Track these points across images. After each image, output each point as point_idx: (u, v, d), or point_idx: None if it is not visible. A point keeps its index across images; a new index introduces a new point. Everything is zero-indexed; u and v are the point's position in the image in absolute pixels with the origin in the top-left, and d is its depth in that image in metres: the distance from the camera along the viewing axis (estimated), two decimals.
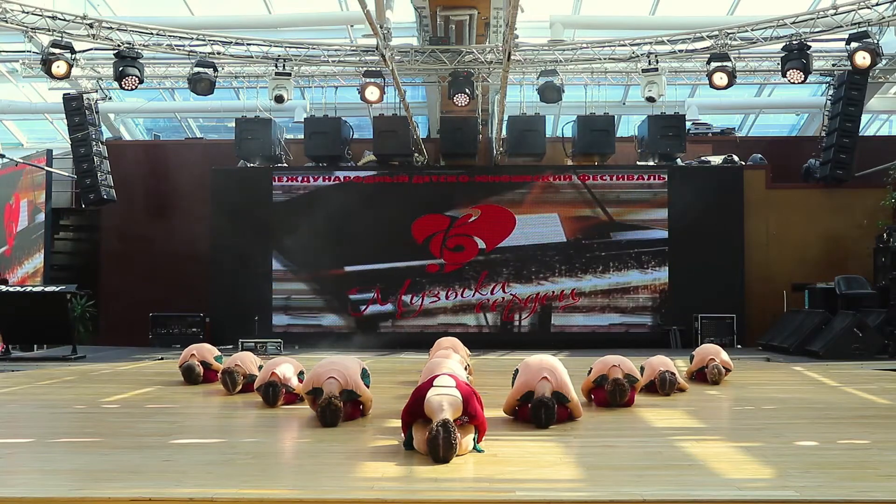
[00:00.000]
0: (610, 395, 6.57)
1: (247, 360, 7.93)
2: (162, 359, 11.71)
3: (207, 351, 8.77)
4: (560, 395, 5.82)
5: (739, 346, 13.36)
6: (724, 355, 8.62)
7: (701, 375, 8.47)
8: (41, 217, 15.31)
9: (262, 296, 14.26)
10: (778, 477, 4.22)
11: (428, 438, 4.64)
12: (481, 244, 14.43)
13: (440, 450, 4.58)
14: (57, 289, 12.24)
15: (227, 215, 14.42)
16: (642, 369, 7.48)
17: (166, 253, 14.80)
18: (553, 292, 14.27)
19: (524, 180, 14.47)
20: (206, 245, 14.54)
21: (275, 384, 6.81)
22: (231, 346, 12.32)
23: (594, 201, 14.40)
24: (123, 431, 5.76)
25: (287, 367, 7.07)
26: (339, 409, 5.82)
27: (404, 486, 4.13)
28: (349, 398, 5.99)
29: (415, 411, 4.98)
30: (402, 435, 5.06)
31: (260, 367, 7.60)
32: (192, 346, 8.94)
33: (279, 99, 13.23)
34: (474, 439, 4.96)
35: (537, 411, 5.70)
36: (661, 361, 7.64)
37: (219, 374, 8.09)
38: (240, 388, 7.65)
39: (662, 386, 7.34)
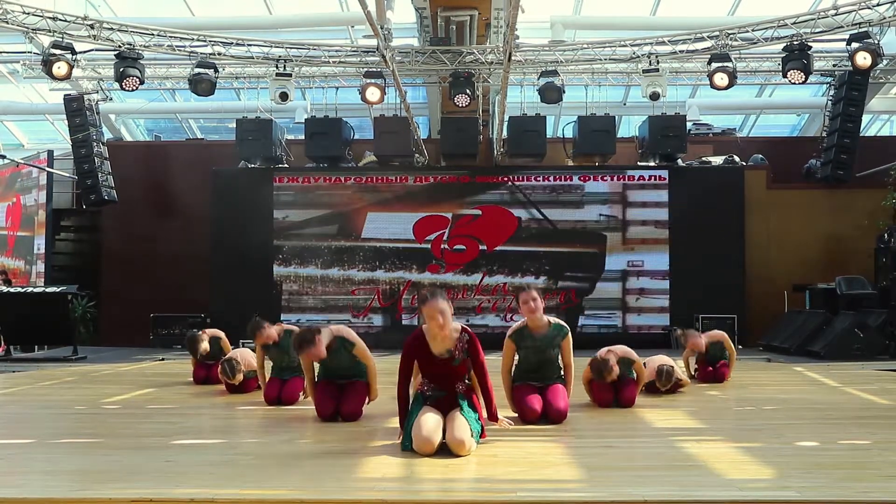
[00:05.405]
0: (594, 370, 6.58)
1: (246, 356, 7.92)
2: (163, 359, 11.71)
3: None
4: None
5: (740, 347, 13.30)
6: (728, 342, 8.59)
7: (704, 369, 8.46)
8: (38, 219, 15.29)
9: (263, 296, 14.27)
10: (779, 477, 4.21)
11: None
12: (482, 245, 14.43)
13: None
14: (58, 289, 12.24)
15: (228, 216, 14.45)
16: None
17: (167, 253, 14.80)
18: (554, 293, 14.28)
19: (525, 181, 14.48)
20: (206, 246, 14.55)
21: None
22: (231, 347, 12.29)
23: (593, 201, 14.41)
24: (124, 432, 5.76)
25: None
26: (313, 333, 5.80)
27: (405, 487, 4.13)
28: (342, 344, 5.96)
29: (410, 353, 5.11)
30: (399, 434, 5.04)
31: None
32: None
33: (283, 96, 13.22)
34: (478, 433, 4.98)
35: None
36: (661, 360, 7.63)
37: (218, 365, 7.92)
38: (240, 377, 7.60)
39: (660, 376, 7.31)
